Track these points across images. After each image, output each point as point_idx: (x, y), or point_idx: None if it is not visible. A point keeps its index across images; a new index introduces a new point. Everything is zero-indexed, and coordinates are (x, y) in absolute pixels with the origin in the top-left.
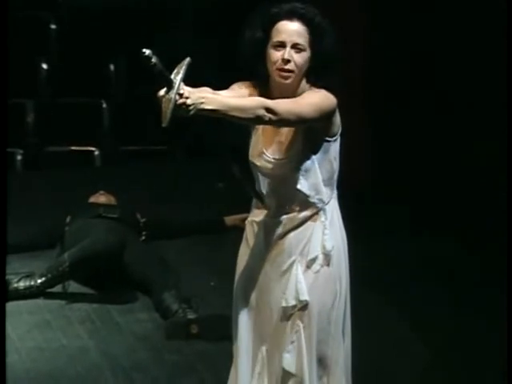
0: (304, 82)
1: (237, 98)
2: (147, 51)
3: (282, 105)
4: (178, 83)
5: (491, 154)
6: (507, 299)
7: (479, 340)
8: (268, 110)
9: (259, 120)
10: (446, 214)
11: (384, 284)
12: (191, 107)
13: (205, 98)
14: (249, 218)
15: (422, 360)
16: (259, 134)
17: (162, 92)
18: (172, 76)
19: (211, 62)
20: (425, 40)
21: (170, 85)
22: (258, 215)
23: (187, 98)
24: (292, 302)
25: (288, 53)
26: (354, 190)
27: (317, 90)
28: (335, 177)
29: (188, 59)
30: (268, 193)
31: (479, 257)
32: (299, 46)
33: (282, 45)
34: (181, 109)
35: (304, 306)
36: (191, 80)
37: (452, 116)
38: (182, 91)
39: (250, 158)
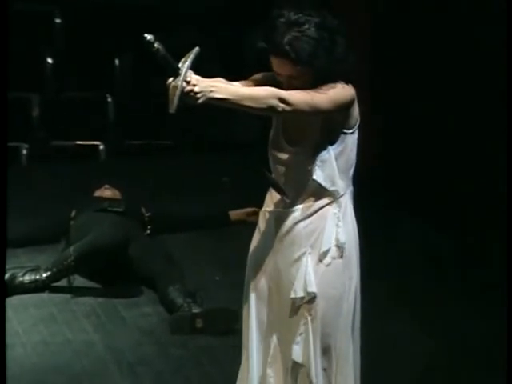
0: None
1: (251, 88)
2: (149, 36)
3: (297, 95)
4: (184, 70)
5: (493, 151)
6: (508, 296)
7: (481, 337)
8: (282, 100)
9: (272, 110)
10: (448, 209)
11: (386, 279)
12: (199, 95)
13: (214, 86)
14: (262, 209)
15: (425, 357)
16: (279, 125)
17: (170, 80)
18: (180, 64)
19: (214, 60)
20: (427, 39)
21: (174, 71)
22: (271, 206)
23: (195, 85)
24: (300, 294)
25: (286, 82)
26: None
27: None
28: (351, 170)
29: (197, 48)
30: (283, 183)
31: (482, 254)
32: (292, 75)
33: (278, 73)
34: (189, 96)
35: (312, 299)
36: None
37: (454, 115)
38: (189, 79)
39: (269, 149)
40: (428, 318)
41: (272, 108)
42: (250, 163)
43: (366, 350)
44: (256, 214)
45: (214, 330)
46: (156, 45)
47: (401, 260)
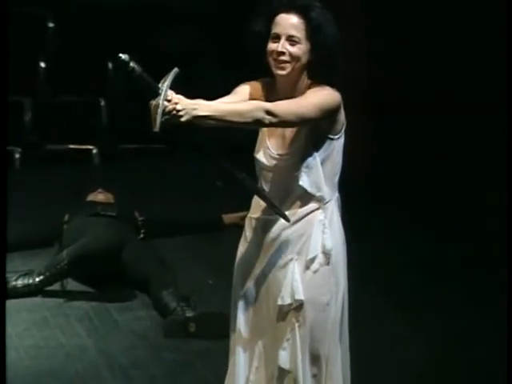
0: (306, 76)
1: (235, 103)
2: (123, 56)
3: (283, 106)
4: (164, 89)
5: (492, 155)
6: (508, 298)
7: (480, 339)
8: (268, 112)
9: (259, 123)
10: (446, 214)
11: (382, 283)
12: (182, 112)
13: (197, 104)
14: (248, 215)
15: (420, 361)
16: (264, 131)
17: (152, 101)
18: (159, 85)
19: (211, 60)
20: (426, 39)
21: (152, 90)
22: (257, 212)
23: (176, 103)
24: (287, 301)
25: (282, 45)
26: (352, 190)
27: (320, 87)
28: (337, 177)
29: (175, 69)
30: (270, 189)
31: (481, 256)
32: (293, 39)
33: (277, 37)
34: (171, 115)
35: (299, 305)
36: (193, 79)
37: (453, 117)
38: (169, 97)
39: (255, 154)
40: (422, 323)
41: (258, 121)
42: (237, 174)
43: (359, 354)
44: None
45: (208, 333)
46: (131, 64)
47: (397, 264)
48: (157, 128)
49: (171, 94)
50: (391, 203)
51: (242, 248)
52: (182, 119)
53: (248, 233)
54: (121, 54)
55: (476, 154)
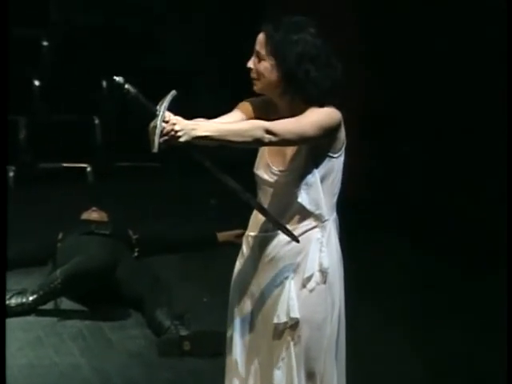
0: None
1: (234, 122)
2: (118, 78)
3: (282, 125)
4: (162, 111)
5: (491, 164)
6: (508, 309)
7: (477, 351)
8: (267, 131)
9: (259, 142)
10: (444, 230)
11: (378, 302)
12: (181, 133)
13: (196, 124)
14: (246, 233)
15: (418, 375)
16: (264, 147)
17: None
18: (157, 107)
19: (211, 81)
20: (424, 45)
21: (149, 111)
22: (254, 230)
23: (174, 124)
24: (283, 319)
25: (251, 61)
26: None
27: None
28: (336, 196)
29: (173, 91)
30: (269, 206)
31: (479, 269)
32: (259, 55)
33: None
34: (170, 136)
35: (295, 324)
36: (192, 100)
37: (452, 132)
38: (167, 118)
39: (255, 171)
40: (421, 338)
41: (258, 140)
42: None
43: (357, 371)
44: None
45: (202, 352)
46: (126, 86)
47: (394, 283)
48: (155, 149)
49: (169, 116)
50: (390, 220)
51: (238, 266)
52: (181, 140)
53: (245, 250)
54: (115, 77)
55: (476, 163)
